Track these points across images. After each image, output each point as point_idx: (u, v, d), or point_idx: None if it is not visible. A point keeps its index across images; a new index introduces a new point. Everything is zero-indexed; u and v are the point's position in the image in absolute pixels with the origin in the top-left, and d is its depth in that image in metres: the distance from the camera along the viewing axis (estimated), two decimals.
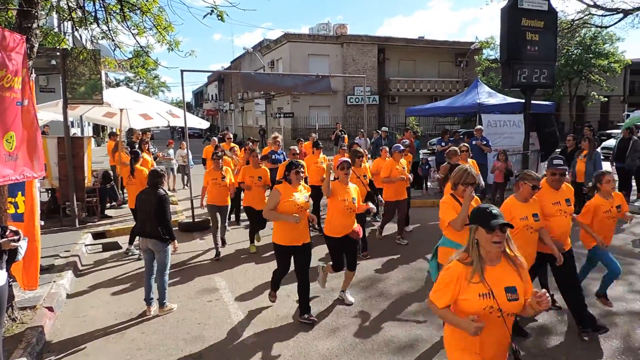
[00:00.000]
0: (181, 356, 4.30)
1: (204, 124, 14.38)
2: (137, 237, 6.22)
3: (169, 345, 4.50)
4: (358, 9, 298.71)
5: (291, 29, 54.89)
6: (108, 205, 10.59)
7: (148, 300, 5.26)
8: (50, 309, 5.13)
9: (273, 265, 6.72)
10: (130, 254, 7.49)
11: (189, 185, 12.88)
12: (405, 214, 8.21)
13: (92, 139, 12.10)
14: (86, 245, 7.89)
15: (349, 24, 41.92)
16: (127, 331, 4.83)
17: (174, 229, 5.46)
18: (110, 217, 9.83)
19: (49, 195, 9.93)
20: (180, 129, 27.05)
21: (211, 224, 7.62)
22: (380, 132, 15.85)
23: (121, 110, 10.54)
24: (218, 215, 7.45)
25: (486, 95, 13.93)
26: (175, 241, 5.33)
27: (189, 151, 13.20)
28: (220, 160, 7.52)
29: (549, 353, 4.23)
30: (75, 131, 22.03)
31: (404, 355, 4.23)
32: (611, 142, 19.22)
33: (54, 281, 5.90)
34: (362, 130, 16.89)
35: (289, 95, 30.60)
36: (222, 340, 4.59)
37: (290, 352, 4.31)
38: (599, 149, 10.00)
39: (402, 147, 7.81)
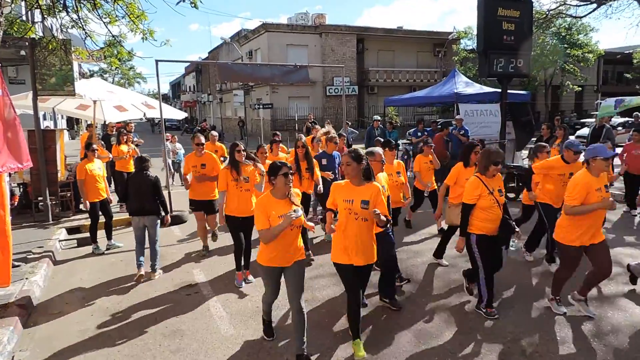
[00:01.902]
0: (159, 351, 4.23)
1: (181, 115, 14.16)
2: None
3: (147, 340, 4.43)
4: None
5: (269, 19, 54.41)
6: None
7: (139, 264, 5.98)
8: (23, 306, 4.99)
9: (254, 256, 6.71)
10: (112, 248, 7.37)
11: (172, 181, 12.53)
12: (606, 265, 4.51)
13: (65, 132, 11.77)
14: (60, 240, 7.71)
15: (328, 14, 41.81)
16: (103, 327, 4.73)
17: None
18: (86, 212, 9.61)
19: (20, 189, 9.66)
20: (157, 121, 26.59)
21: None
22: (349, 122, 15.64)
23: (94, 102, 10.29)
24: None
25: (463, 85, 14.06)
26: (168, 215, 6.29)
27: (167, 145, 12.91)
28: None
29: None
30: (48, 124, 21.50)
31: (378, 344, 4.24)
32: (585, 131, 19.66)
33: (27, 278, 5.74)
34: (328, 120, 16.63)
35: (267, 86, 30.36)
36: (200, 333, 4.54)
37: (270, 344, 4.29)
38: (573, 137, 10.20)
39: (609, 153, 4.36)
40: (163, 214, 6.17)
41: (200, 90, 55.30)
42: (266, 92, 32.02)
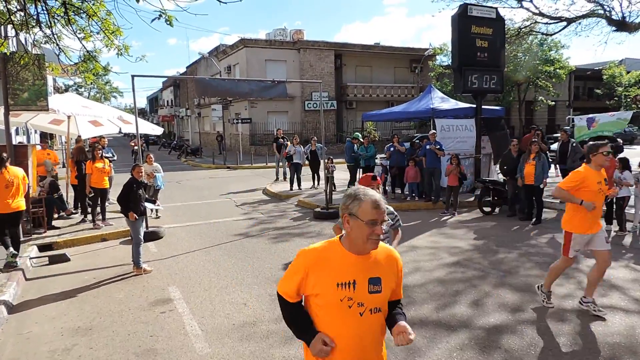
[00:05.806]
0: None
1: (158, 130, 14.03)
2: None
3: None
4: (316, 15, 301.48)
5: (248, 34, 54.56)
6: (56, 215, 10.13)
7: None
8: None
9: (231, 272, 6.66)
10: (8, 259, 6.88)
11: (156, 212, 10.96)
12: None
13: (38, 147, 11.56)
14: (31, 258, 7.50)
15: (307, 30, 42.48)
16: (74, 347, 4.61)
17: None
18: (58, 228, 9.41)
19: None
20: (133, 135, 26.18)
21: None
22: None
23: (69, 116, 10.14)
24: None
25: (439, 100, 14.28)
26: (131, 213, 6.67)
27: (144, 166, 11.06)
28: None
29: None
30: (20, 139, 21.04)
31: None
32: (556, 146, 20.16)
33: None
34: (296, 136, 16.49)
35: (246, 101, 30.38)
36: (175, 352, 4.46)
37: None
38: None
39: None
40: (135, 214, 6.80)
41: (178, 105, 54.95)
42: (245, 107, 32.03)
